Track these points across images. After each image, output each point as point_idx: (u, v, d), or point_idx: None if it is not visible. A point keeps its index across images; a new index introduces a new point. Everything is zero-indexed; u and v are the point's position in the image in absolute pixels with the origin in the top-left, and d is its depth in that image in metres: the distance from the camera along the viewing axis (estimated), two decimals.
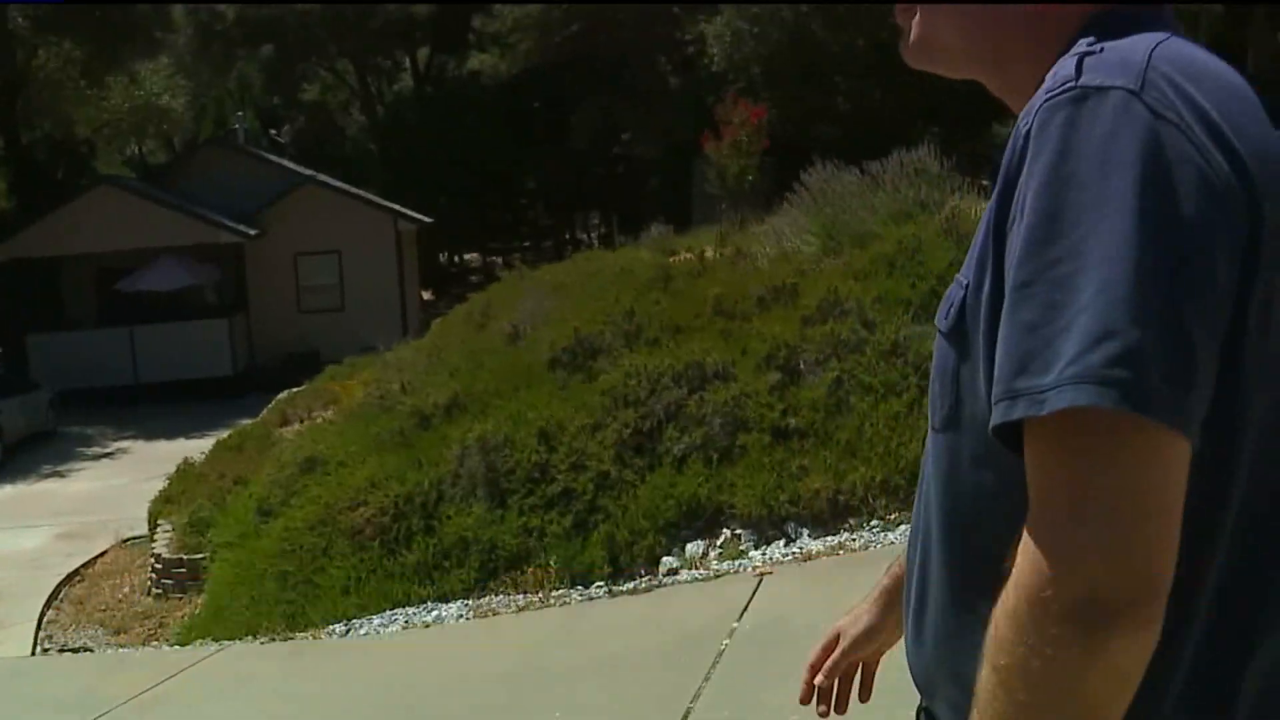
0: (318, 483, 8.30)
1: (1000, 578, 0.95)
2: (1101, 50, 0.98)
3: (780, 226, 11.49)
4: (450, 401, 8.69)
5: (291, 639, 6.43)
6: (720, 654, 4.56)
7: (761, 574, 5.66)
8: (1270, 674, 1.02)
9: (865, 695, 1.57)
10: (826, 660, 1.53)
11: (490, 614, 6.05)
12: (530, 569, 6.79)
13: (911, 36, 1.20)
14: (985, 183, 12.03)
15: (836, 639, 1.54)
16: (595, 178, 39.11)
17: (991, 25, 1.14)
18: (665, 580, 6.08)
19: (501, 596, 6.29)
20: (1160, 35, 1.00)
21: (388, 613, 6.48)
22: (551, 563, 6.61)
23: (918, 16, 1.19)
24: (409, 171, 34.23)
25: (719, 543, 6.91)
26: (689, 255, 11.59)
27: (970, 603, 1.06)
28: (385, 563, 7.15)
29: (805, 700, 1.55)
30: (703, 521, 7.12)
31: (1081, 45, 1.00)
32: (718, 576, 5.85)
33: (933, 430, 1.16)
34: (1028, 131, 0.97)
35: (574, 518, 7.20)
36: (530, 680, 5.00)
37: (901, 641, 1.29)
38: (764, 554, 6.09)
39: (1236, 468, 0.97)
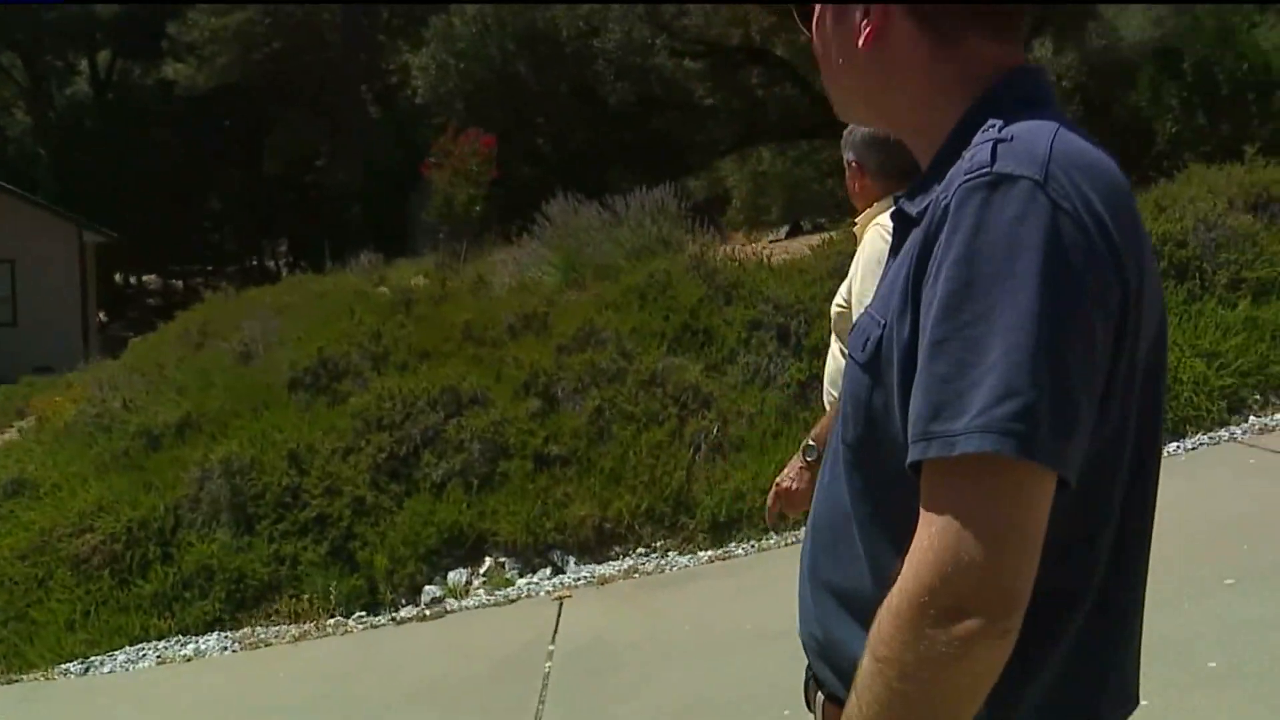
0: (28, 507, 7.49)
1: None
2: (1012, 139, 1.14)
3: (519, 257, 11.44)
4: (182, 421, 8.10)
5: (17, 680, 5.73)
6: (547, 676, 4.41)
7: (560, 598, 5.55)
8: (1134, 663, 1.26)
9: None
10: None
11: (261, 645, 5.61)
12: (284, 599, 6.40)
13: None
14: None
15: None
16: (287, 204, 37.75)
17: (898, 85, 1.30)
18: (450, 606, 5.83)
19: (272, 627, 5.83)
20: (1052, 125, 1.17)
21: (133, 647, 5.89)
22: (320, 589, 6.23)
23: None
24: (84, 182, 31.86)
25: (482, 570, 6.75)
26: (425, 280, 11.34)
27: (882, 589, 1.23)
28: (117, 594, 6.52)
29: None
30: (464, 550, 6.92)
31: (993, 131, 1.16)
32: (511, 601, 5.68)
33: (843, 443, 1.31)
34: (946, 205, 1.12)
35: (330, 545, 6.85)
36: (345, 713, 4.64)
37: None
38: (556, 581, 5.97)
39: (1112, 498, 1.18)
